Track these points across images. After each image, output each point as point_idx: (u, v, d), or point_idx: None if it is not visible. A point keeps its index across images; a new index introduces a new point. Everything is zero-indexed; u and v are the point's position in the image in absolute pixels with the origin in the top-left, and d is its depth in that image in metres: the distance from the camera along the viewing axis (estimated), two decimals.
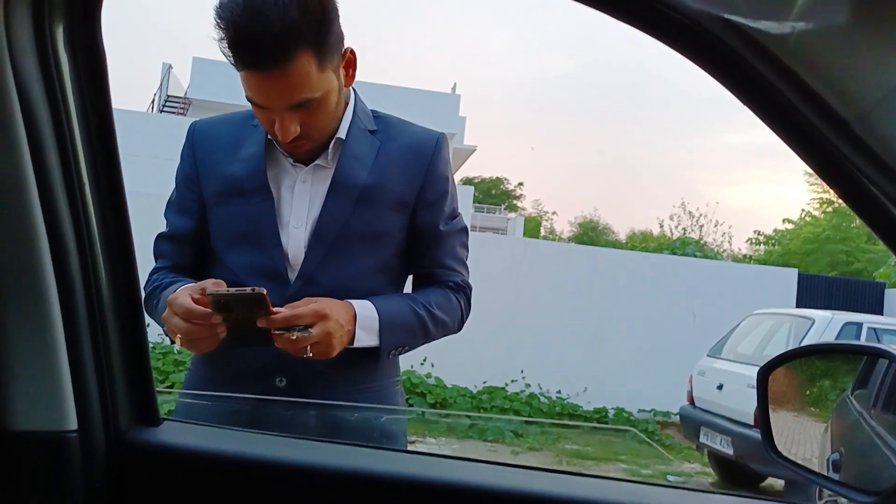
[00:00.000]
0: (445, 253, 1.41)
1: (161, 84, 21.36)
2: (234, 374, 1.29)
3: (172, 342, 1.19)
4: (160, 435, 0.74)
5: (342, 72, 1.26)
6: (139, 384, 0.72)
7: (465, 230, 1.45)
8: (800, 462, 0.97)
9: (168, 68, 21.43)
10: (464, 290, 1.43)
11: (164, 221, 1.40)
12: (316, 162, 1.32)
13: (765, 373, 1.02)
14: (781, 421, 1.06)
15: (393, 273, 1.39)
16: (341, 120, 1.32)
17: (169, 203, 1.41)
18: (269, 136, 1.30)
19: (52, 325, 0.62)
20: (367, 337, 1.25)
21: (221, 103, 14.68)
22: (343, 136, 1.32)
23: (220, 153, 1.34)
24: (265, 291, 1.07)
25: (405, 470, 0.72)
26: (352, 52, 1.26)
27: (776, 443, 0.96)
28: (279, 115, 1.18)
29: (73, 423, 0.63)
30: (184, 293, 1.14)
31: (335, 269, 1.30)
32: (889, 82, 0.48)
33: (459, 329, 1.44)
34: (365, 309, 1.25)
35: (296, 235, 1.30)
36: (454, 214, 1.42)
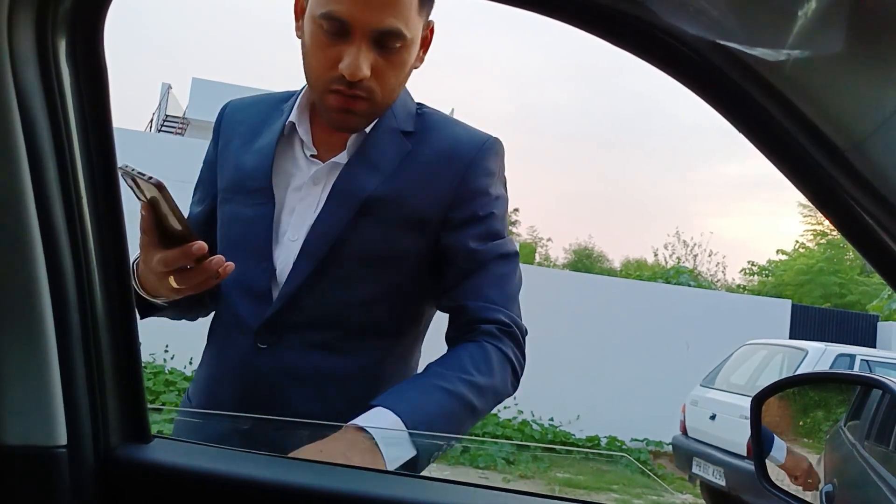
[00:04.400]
0: (481, 282, 1.09)
1: (160, 104, 21.43)
2: (210, 406, 1.11)
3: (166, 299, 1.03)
4: (151, 452, 0.72)
5: (419, 46, 1.07)
6: (131, 400, 0.70)
7: (511, 256, 1.14)
8: (793, 493, 0.96)
9: (167, 88, 21.52)
10: (510, 334, 1.07)
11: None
12: (333, 160, 1.10)
13: (758, 401, 1.01)
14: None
15: (404, 305, 1.12)
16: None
17: (196, 185, 1.25)
18: (286, 124, 1.11)
19: (44, 338, 0.62)
20: (401, 452, 0.91)
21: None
22: (367, 130, 1.10)
23: (238, 140, 1.16)
24: (163, 184, 0.86)
25: (401, 494, 0.70)
26: (432, 30, 1.09)
27: (770, 474, 0.95)
28: (357, 45, 0.98)
29: (62, 439, 0.63)
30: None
31: (322, 294, 1.07)
32: (884, 111, 0.48)
33: (515, 388, 1.10)
34: (384, 422, 0.91)
35: (289, 249, 1.08)
36: (497, 235, 1.12)
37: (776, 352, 6.39)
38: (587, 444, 8.48)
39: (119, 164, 0.80)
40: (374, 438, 0.87)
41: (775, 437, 1.04)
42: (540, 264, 31.57)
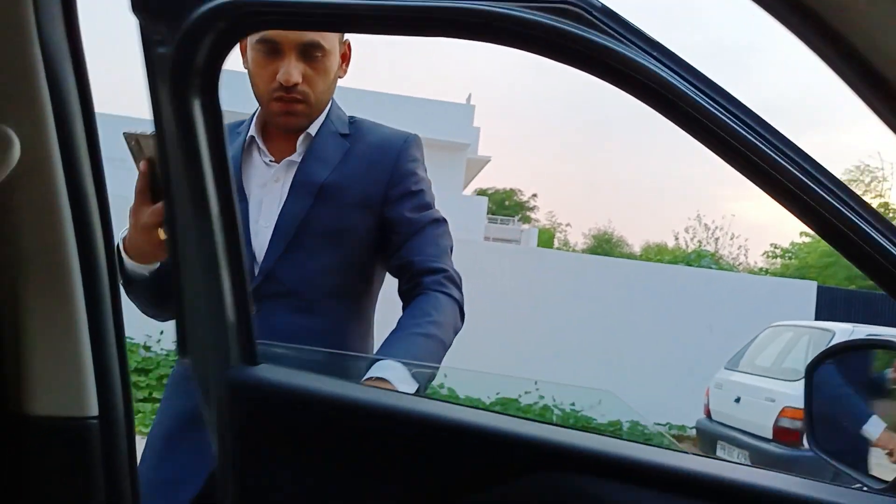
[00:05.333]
0: (421, 242, 1.37)
1: None
2: None
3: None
4: (259, 372, 0.86)
5: (339, 58, 1.36)
6: (245, 329, 0.86)
7: (441, 221, 1.42)
8: (844, 459, 0.93)
9: None
10: (450, 279, 1.35)
11: None
12: (289, 158, 1.37)
13: (812, 368, 0.98)
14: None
15: (360, 271, 1.39)
16: (319, 117, 1.38)
17: None
18: (247, 138, 1.37)
19: (75, 308, 0.61)
20: (408, 387, 1.15)
21: (232, 112, 14.79)
22: (312, 133, 1.38)
23: None
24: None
25: (425, 408, 0.87)
26: (349, 46, 1.39)
27: (821, 439, 0.92)
28: (288, 58, 1.27)
29: (94, 410, 0.62)
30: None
31: (293, 265, 1.32)
32: None
33: (462, 323, 1.37)
34: (391, 368, 1.16)
35: (263, 234, 1.34)
36: (428, 206, 1.41)
37: (802, 333, 6.30)
38: (609, 429, 8.45)
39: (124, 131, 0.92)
40: (390, 381, 1.11)
41: (873, 414, 1.01)
42: (559, 249, 31.46)
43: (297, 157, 1.37)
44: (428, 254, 1.36)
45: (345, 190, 1.35)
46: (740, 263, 30.42)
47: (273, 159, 1.38)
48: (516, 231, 34.78)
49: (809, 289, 9.84)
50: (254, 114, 1.43)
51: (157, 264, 1.24)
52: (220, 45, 0.72)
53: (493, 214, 37.53)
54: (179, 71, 0.70)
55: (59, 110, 0.59)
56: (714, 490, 0.77)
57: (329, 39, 1.31)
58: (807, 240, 22.55)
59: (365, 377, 1.13)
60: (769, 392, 5.57)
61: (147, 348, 7.52)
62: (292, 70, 1.28)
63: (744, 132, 0.67)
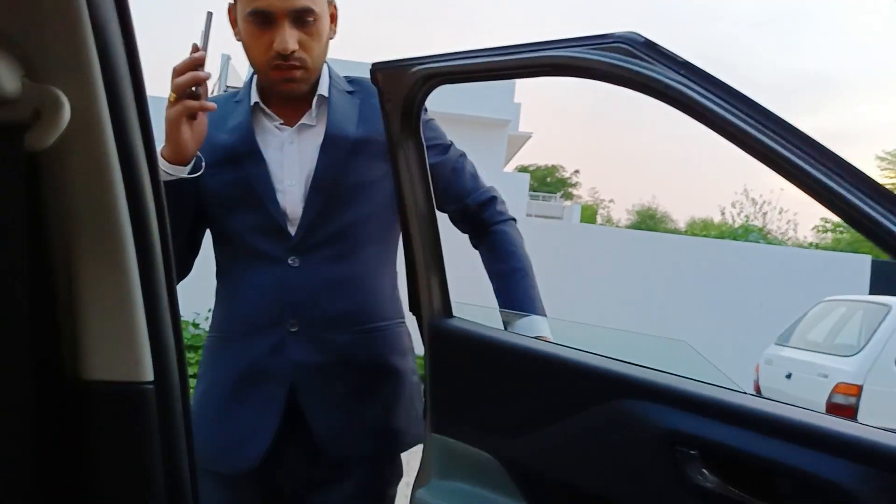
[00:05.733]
0: (461, 182, 1.52)
1: (220, 74, 21.79)
2: (249, 328, 1.39)
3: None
4: (454, 323, 1.32)
5: (329, 21, 1.39)
6: (443, 286, 1.33)
7: (461, 152, 1.55)
8: None
9: (227, 59, 21.85)
10: (498, 202, 1.56)
11: None
12: (301, 122, 1.41)
13: None
14: None
15: (388, 218, 1.46)
16: (319, 80, 1.42)
17: None
18: (252, 105, 1.41)
19: (128, 272, 0.60)
20: (549, 331, 1.44)
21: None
22: (325, 94, 1.43)
23: (209, 128, 1.35)
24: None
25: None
26: (335, 7, 1.42)
27: None
28: (281, 26, 1.30)
29: (149, 375, 0.61)
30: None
31: (332, 218, 1.39)
32: None
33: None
34: (536, 322, 1.44)
35: (292, 192, 1.39)
36: (447, 144, 1.52)
37: (856, 308, 6.11)
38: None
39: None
40: (549, 337, 1.41)
41: None
42: (602, 226, 31.14)
43: (310, 121, 1.42)
44: (471, 188, 1.53)
45: (372, 143, 1.41)
46: (789, 238, 29.68)
47: (282, 122, 1.42)
48: (559, 208, 34.51)
49: (863, 262, 9.55)
50: (249, 81, 1.45)
51: (189, 168, 1.29)
52: (420, 97, 1.26)
53: (534, 191, 37.28)
54: (400, 112, 1.27)
55: (108, 74, 0.59)
56: (776, 428, 0.99)
57: (319, 3, 1.34)
58: None
59: (535, 335, 1.38)
60: (822, 368, 5.44)
61: (196, 325, 7.68)
62: (288, 38, 1.30)
63: (761, 135, 0.90)
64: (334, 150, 1.40)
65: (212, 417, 1.40)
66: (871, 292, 8.88)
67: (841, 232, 22.54)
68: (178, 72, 1.22)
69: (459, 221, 1.57)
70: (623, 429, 1.14)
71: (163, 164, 1.26)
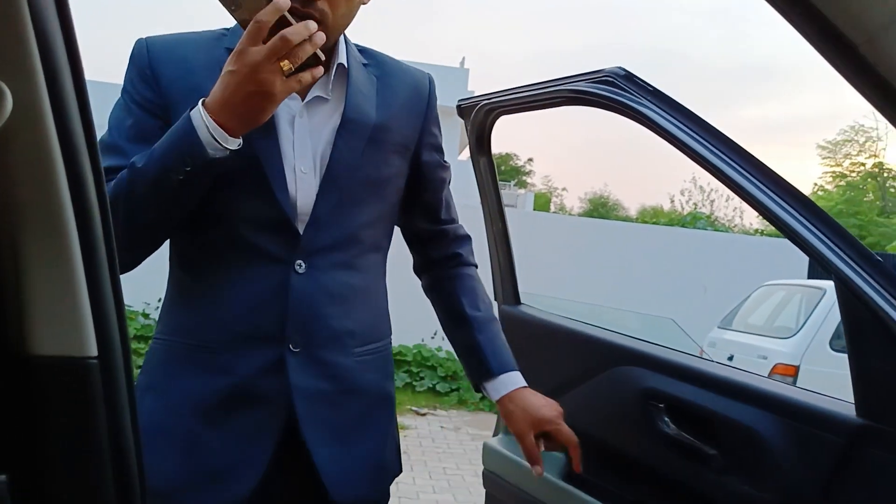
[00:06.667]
0: (448, 202, 1.37)
1: None
2: (236, 339, 1.13)
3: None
4: (522, 310, 1.85)
5: None
6: (511, 275, 1.82)
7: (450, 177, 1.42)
8: None
9: None
10: (469, 240, 1.44)
11: (108, 150, 1.09)
12: (315, 93, 1.14)
13: None
14: None
15: (390, 224, 1.27)
16: (337, 47, 1.15)
17: (117, 128, 1.12)
18: None
19: (71, 253, 0.63)
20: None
21: None
22: (345, 64, 1.16)
23: (198, 76, 1.09)
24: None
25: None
26: None
27: None
28: None
29: (93, 350, 0.64)
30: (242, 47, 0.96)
31: (343, 218, 1.15)
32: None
33: None
34: (516, 376, 1.34)
35: (305, 181, 1.13)
36: (444, 158, 1.35)
37: (794, 292, 6.36)
38: None
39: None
40: (526, 386, 1.34)
41: None
42: (555, 213, 31.41)
43: (325, 93, 1.15)
44: (452, 216, 1.39)
45: (390, 133, 1.19)
46: (735, 225, 30.45)
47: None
48: (512, 196, 34.69)
49: None
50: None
51: (239, 142, 1.02)
52: (488, 124, 1.76)
53: None
54: (474, 139, 1.79)
55: (48, 64, 0.61)
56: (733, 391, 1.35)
57: None
58: None
59: (516, 387, 1.32)
60: (761, 349, 5.66)
61: (146, 315, 7.56)
62: None
63: (718, 157, 1.20)
64: (351, 136, 1.14)
65: (177, 443, 1.13)
66: (810, 277, 9.23)
67: None
68: (292, 36, 0.93)
69: (426, 242, 1.37)
70: (619, 389, 1.55)
71: (220, 136, 0.99)
